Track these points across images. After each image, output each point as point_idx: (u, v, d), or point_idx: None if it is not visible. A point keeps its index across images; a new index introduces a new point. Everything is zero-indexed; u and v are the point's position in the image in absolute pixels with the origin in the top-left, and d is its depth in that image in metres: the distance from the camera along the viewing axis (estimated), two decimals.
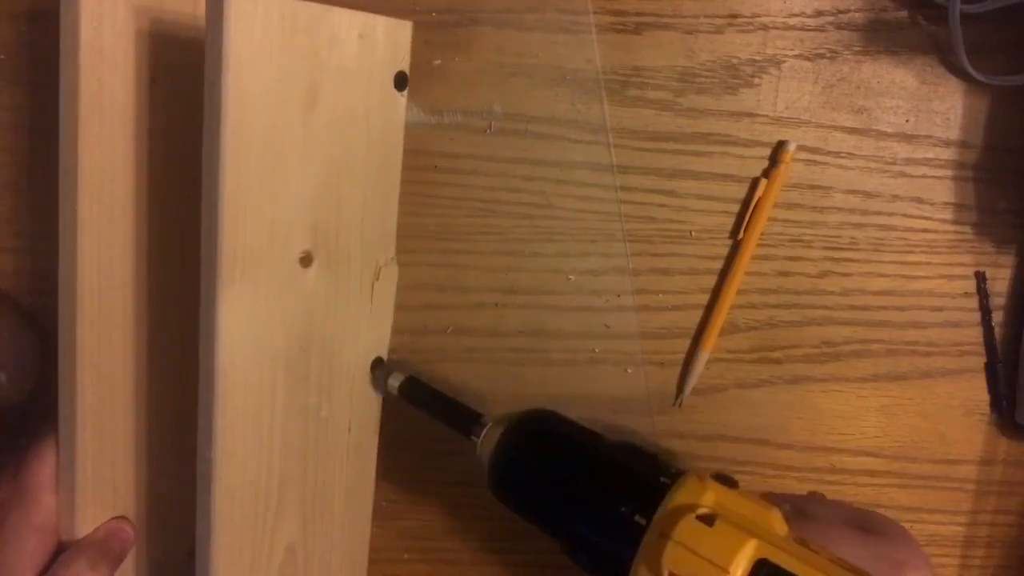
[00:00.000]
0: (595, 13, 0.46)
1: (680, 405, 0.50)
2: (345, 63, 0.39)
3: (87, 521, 0.41)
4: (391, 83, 0.43)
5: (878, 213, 0.49)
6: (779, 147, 0.47)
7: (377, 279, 0.44)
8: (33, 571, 0.37)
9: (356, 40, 0.40)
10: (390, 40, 0.42)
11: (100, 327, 0.40)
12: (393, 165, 0.45)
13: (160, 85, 0.40)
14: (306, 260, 0.39)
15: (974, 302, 0.50)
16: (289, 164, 0.37)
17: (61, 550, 0.39)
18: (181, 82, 0.40)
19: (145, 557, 0.45)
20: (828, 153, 0.48)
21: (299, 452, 0.41)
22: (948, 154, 0.49)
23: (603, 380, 0.49)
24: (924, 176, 0.49)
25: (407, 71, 0.43)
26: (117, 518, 0.42)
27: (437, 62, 0.46)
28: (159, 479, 0.44)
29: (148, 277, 0.42)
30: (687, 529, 0.32)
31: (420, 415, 0.43)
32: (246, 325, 0.37)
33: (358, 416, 0.45)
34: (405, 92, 0.44)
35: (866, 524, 0.38)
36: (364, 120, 0.42)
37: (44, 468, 0.39)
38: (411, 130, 0.46)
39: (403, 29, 0.43)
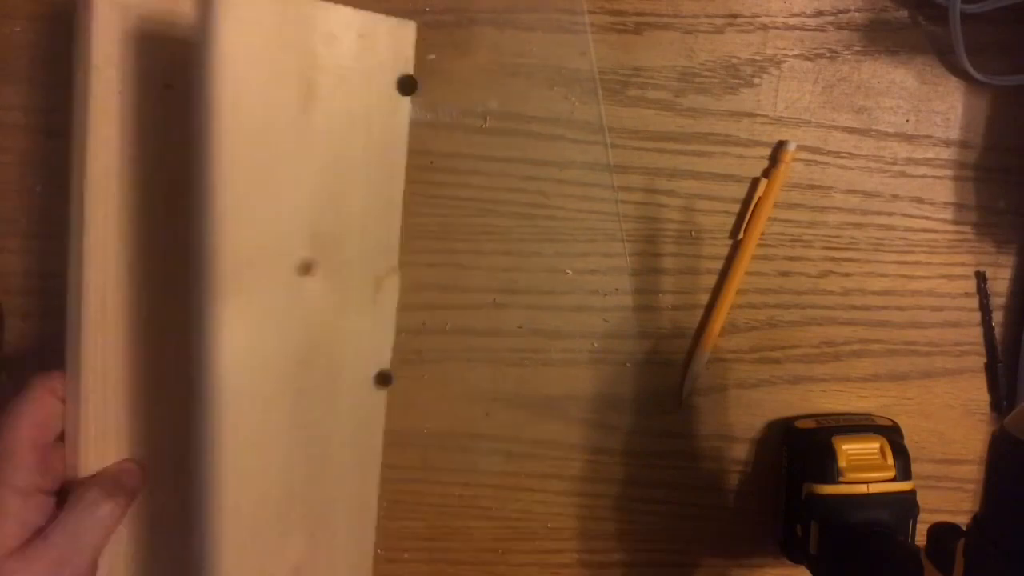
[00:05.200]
0: (595, 13, 0.46)
1: (680, 405, 0.50)
2: (342, 62, 0.38)
3: (90, 459, 0.39)
4: (394, 86, 0.42)
5: (878, 213, 0.49)
6: (779, 147, 0.47)
7: (378, 291, 0.43)
8: (20, 531, 0.36)
9: (355, 39, 0.39)
10: (392, 41, 0.41)
11: (105, 323, 0.39)
12: (395, 172, 0.43)
13: (175, 90, 0.40)
14: (305, 268, 0.39)
15: (974, 302, 0.50)
16: (284, 166, 0.37)
17: (50, 506, 0.38)
18: None
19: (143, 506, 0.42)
20: (828, 153, 0.48)
21: (303, 468, 0.40)
22: (948, 154, 0.48)
23: (603, 380, 0.49)
24: (924, 176, 0.49)
25: (412, 74, 0.42)
26: (124, 460, 0.40)
27: (432, 57, 0.45)
28: (159, 430, 0.42)
29: (157, 278, 0.40)
30: None
31: (420, 413, 0.43)
32: (244, 337, 0.36)
33: (361, 431, 0.44)
34: (410, 97, 0.42)
35: None
36: (364, 123, 0.41)
37: (23, 422, 0.37)
38: (410, 129, 0.46)
39: (406, 30, 0.42)
